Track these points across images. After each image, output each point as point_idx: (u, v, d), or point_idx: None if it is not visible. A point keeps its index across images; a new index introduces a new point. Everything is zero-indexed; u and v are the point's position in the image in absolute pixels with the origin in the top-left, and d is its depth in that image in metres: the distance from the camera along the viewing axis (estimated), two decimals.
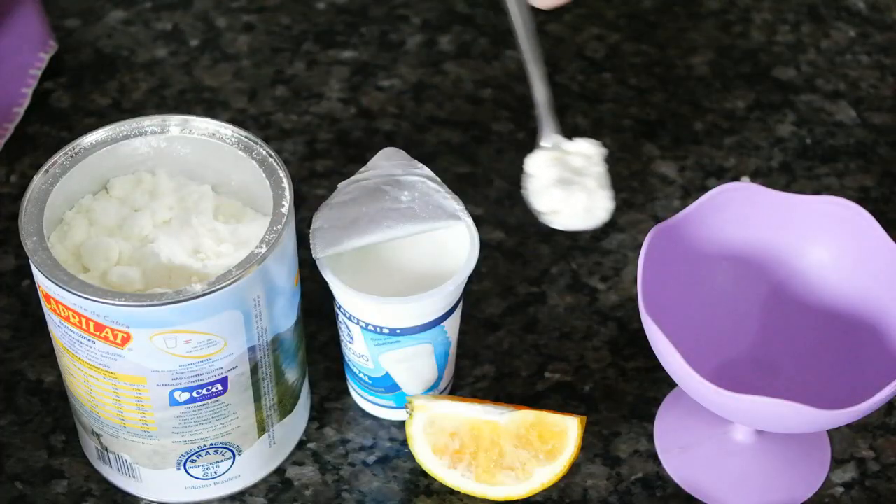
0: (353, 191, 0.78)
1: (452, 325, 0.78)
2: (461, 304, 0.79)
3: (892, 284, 0.76)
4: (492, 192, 0.94)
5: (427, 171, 0.79)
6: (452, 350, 0.80)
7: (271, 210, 0.72)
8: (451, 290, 0.75)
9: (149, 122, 0.77)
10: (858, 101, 1.01)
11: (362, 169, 0.79)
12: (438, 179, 0.78)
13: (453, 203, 0.77)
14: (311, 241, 0.76)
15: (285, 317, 0.74)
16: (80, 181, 0.75)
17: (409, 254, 0.79)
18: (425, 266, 0.78)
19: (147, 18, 1.06)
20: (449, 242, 0.78)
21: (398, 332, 0.76)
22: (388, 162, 0.79)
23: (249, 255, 0.70)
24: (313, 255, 0.75)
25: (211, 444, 0.75)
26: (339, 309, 0.78)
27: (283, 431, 0.78)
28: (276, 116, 0.99)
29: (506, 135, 0.98)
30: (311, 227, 0.76)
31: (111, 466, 0.77)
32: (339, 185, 0.78)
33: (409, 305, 0.75)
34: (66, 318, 0.70)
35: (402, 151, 0.80)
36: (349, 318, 0.77)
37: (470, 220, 0.77)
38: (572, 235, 0.91)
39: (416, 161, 0.79)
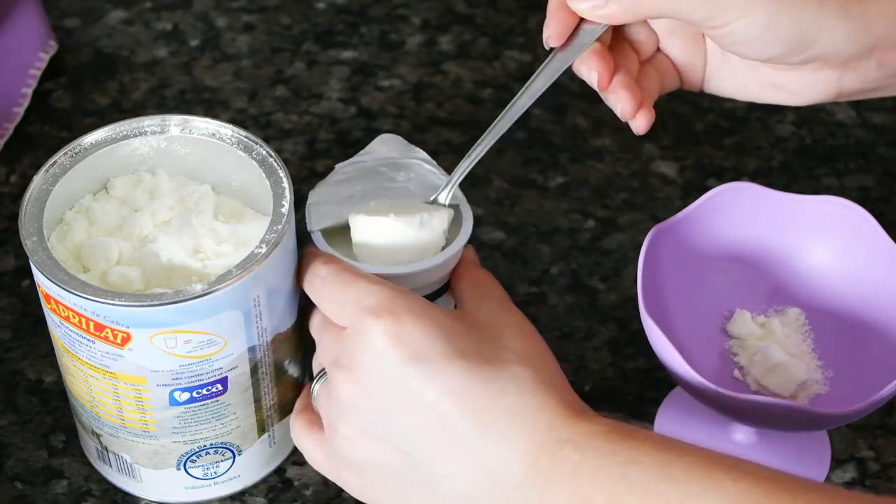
0: (350, 171, 0.78)
1: None
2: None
3: (892, 284, 0.76)
4: (492, 192, 0.94)
5: (424, 154, 0.78)
6: None
7: (271, 210, 0.72)
8: (442, 262, 0.74)
9: (149, 122, 0.77)
10: (858, 101, 1.01)
11: (360, 152, 0.79)
12: (435, 163, 0.78)
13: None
14: (305, 216, 0.75)
15: (285, 317, 0.74)
16: (80, 181, 0.75)
17: (402, 234, 0.78)
18: (418, 245, 0.77)
19: (147, 18, 1.06)
20: (442, 223, 0.77)
21: None
22: (386, 147, 0.79)
23: (249, 255, 0.70)
24: (307, 229, 0.75)
25: (211, 444, 0.75)
26: None
27: (283, 431, 0.78)
28: (276, 116, 0.99)
29: (506, 135, 0.98)
30: (307, 202, 0.76)
31: (111, 466, 0.77)
32: (337, 166, 0.78)
33: (400, 278, 0.74)
34: (66, 318, 0.70)
35: (399, 137, 0.80)
36: None
37: (461, 196, 0.76)
38: (572, 235, 0.91)
39: (413, 146, 0.79)
